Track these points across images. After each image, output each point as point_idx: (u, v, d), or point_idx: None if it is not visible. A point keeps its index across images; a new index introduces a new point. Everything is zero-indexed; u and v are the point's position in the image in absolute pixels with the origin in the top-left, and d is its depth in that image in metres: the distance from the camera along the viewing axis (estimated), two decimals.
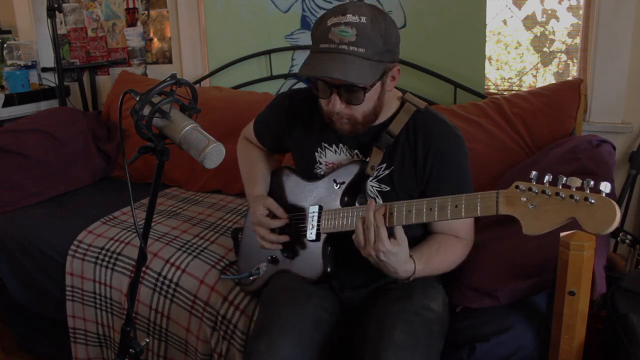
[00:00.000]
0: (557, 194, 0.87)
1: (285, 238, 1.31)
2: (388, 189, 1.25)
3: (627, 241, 1.67)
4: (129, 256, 1.73)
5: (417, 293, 1.21)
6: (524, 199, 0.91)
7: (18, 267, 1.94)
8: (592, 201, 0.84)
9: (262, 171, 1.45)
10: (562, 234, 1.06)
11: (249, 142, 1.56)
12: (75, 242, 1.83)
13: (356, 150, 1.28)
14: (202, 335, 1.53)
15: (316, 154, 1.32)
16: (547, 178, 0.90)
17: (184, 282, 1.59)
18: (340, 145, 1.29)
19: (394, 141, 1.23)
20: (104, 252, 1.77)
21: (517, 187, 0.92)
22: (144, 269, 1.63)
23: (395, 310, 1.16)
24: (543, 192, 0.89)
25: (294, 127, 1.37)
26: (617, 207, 0.82)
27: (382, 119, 1.24)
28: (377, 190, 1.26)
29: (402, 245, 1.10)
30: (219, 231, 1.83)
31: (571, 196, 0.86)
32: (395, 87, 1.28)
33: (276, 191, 1.40)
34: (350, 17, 1.07)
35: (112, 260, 1.75)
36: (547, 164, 1.57)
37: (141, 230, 1.14)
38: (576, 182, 0.86)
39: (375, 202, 1.22)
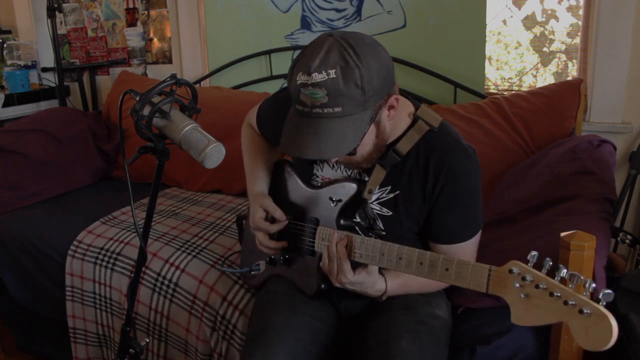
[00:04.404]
0: (552, 293, 0.78)
1: (283, 244, 1.25)
2: (390, 213, 1.17)
3: (627, 241, 1.67)
4: (128, 256, 1.73)
5: (420, 302, 1.19)
6: (517, 285, 0.83)
7: (18, 267, 1.94)
8: (588, 312, 0.74)
9: (264, 165, 1.38)
10: (562, 234, 1.06)
11: (252, 129, 1.48)
12: (75, 242, 1.83)
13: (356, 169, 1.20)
14: (201, 335, 1.53)
15: (315, 165, 1.26)
16: (546, 262, 0.82)
17: (184, 282, 1.59)
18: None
19: (401, 163, 1.13)
20: (103, 252, 1.77)
21: (510, 270, 0.84)
22: (143, 269, 1.62)
23: (400, 320, 1.14)
24: (537, 286, 0.80)
25: None
26: (614, 325, 0.72)
27: (389, 140, 1.15)
28: (377, 212, 1.18)
29: (371, 273, 1.09)
30: (218, 231, 1.83)
31: (565, 302, 0.77)
32: (408, 99, 1.19)
33: (277, 187, 1.36)
34: (316, 77, 0.95)
35: (111, 261, 1.75)
36: (547, 164, 1.57)
37: (141, 230, 1.14)
38: (577, 279, 0.78)
39: (376, 223, 1.19)
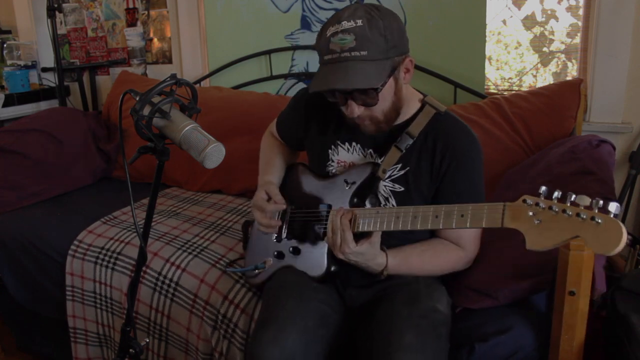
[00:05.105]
0: (564, 211, 0.86)
1: (277, 223, 1.35)
2: (402, 189, 1.26)
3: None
4: (129, 256, 1.73)
5: (423, 295, 1.21)
6: (530, 214, 0.90)
7: (18, 267, 1.94)
8: (599, 221, 0.83)
9: (278, 163, 1.48)
10: None
11: (272, 136, 1.59)
12: (75, 242, 1.83)
13: (370, 150, 1.30)
14: (202, 335, 1.53)
15: (330, 151, 1.35)
16: (556, 194, 0.89)
17: (184, 281, 1.59)
18: (354, 144, 1.31)
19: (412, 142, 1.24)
20: (104, 251, 1.77)
21: (524, 200, 0.91)
22: (144, 268, 1.63)
23: (404, 313, 1.16)
24: (550, 208, 0.88)
25: (311, 124, 1.39)
26: (624, 229, 0.81)
27: (401, 119, 1.26)
28: (390, 189, 1.27)
29: (373, 244, 1.16)
30: (219, 231, 1.83)
31: (578, 214, 0.85)
32: (416, 89, 1.31)
33: (289, 186, 1.43)
34: (345, 24, 1.09)
35: (112, 260, 1.75)
36: (547, 164, 1.57)
37: (141, 230, 1.15)
38: (585, 200, 0.85)
39: (388, 202, 1.27)
